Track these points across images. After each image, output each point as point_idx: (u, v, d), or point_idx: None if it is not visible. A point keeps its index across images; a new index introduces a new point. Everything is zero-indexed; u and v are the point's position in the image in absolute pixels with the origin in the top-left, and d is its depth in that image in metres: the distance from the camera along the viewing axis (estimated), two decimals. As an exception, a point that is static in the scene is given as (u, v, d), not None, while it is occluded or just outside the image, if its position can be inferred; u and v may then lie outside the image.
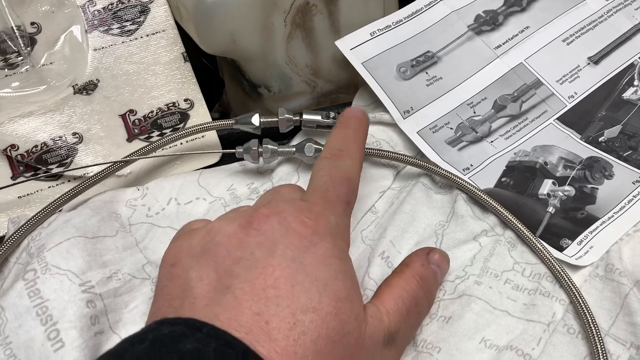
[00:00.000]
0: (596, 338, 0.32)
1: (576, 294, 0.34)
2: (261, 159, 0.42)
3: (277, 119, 0.43)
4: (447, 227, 0.39)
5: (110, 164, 0.42)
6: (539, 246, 0.36)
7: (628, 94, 0.48)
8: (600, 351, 0.31)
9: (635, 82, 0.49)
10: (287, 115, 0.43)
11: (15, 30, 0.44)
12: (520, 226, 0.37)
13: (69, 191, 0.41)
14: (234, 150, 0.42)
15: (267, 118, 0.43)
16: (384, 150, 0.43)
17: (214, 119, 0.46)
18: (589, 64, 0.50)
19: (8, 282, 0.36)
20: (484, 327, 0.33)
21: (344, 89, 0.51)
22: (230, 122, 0.43)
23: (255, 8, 0.42)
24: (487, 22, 0.51)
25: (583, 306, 0.33)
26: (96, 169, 0.43)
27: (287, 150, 0.42)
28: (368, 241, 0.40)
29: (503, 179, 0.43)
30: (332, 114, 0.43)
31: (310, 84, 0.49)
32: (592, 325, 0.32)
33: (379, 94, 0.46)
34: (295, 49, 0.46)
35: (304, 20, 0.45)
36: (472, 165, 0.44)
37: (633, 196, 0.41)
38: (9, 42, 0.43)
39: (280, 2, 0.43)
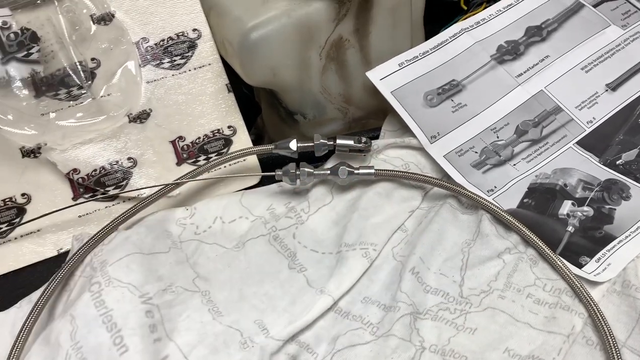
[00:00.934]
0: (613, 349, 0.34)
1: (594, 308, 0.36)
2: (298, 180, 0.46)
3: (312, 144, 0.47)
4: (472, 245, 0.42)
5: (163, 186, 0.46)
6: (559, 263, 0.39)
7: (646, 119, 0.50)
8: (617, 361, 0.34)
9: (653, 108, 0.51)
10: (322, 141, 0.47)
11: (78, 66, 0.48)
12: (541, 244, 0.40)
13: (126, 211, 0.45)
14: (273, 173, 0.46)
15: (303, 143, 0.47)
16: (414, 173, 0.46)
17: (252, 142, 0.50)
18: (607, 90, 0.52)
19: (75, 293, 0.40)
20: (507, 338, 0.36)
21: (373, 115, 0.54)
22: (270, 147, 0.47)
23: (294, 44, 0.47)
24: (508, 52, 0.54)
25: (601, 319, 0.36)
26: (149, 191, 0.47)
27: (322, 173, 0.46)
28: (399, 257, 0.43)
29: (525, 200, 0.46)
30: (363, 139, 0.47)
31: (342, 111, 0.53)
32: (609, 338, 0.35)
33: (407, 120, 0.50)
34: (329, 79, 0.50)
35: (338, 53, 0.49)
36: (495, 187, 0.47)
37: (649, 217, 0.43)
38: (73, 76, 0.48)
39: (317, 38, 0.47)
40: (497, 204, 0.44)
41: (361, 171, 0.46)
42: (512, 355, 0.35)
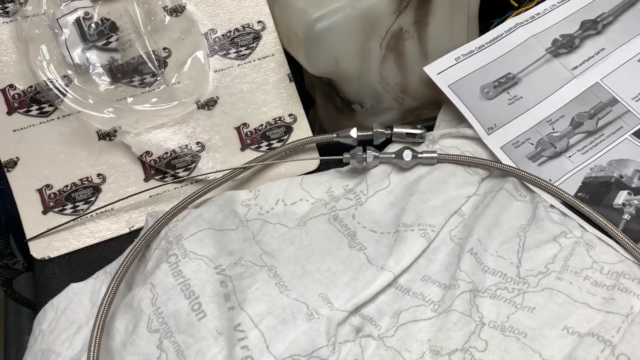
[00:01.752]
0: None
1: None
2: (364, 162, 0.48)
3: (371, 133, 0.49)
4: (528, 229, 0.43)
5: (231, 170, 0.49)
6: (622, 237, 0.40)
7: (703, 111, 0.51)
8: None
9: None
10: (380, 129, 0.49)
11: (152, 54, 0.51)
12: (604, 221, 0.41)
13: (197, 191, 0.48)
14: (341, 157, 0.48)
15: (363, 132, 0.49)
16: (476, 158, 0.48)
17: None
18: (664, 83, 0.53)
19: (151, 264, 0.43)
20: (565, 317, 0.38)
21: (428, 105, 0.56)
22: (332, 135, 0.50)
23: (357, 34, 0.49)
24: (564, 46, 0.55)
25: None
26: (216, 174, 0.50)
27: (387, 156, 0.48)
28: (456, 240, 0.44)
29: (580, 194, 0.46)
30: (419, 126, 0.49)
31: (398, 101, 0.55)
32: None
33: (465, 113, 0.51)
34: (388, 69, 0.52)
35: (397, 44, 0.51)
36: (551, 180, 0.48)
37: None
38: (149, 64, 0.51)
39: (378, 29, 0.49)
40: (560, 189, 0.45)
41: (425, 155, 0.48)
42: (571, 332, 0.37)
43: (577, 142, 0.50)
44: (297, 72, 0.59)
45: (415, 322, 0.39)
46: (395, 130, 0.50)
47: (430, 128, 0.54)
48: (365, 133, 0.49)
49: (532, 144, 0.50)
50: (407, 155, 0.47)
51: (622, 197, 0.45)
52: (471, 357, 0.37)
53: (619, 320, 0.37)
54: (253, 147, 0.53)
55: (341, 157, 0.48)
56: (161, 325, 0.39)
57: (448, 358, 0.37)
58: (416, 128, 0.49)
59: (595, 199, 0.46)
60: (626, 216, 0.44)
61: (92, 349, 0.37)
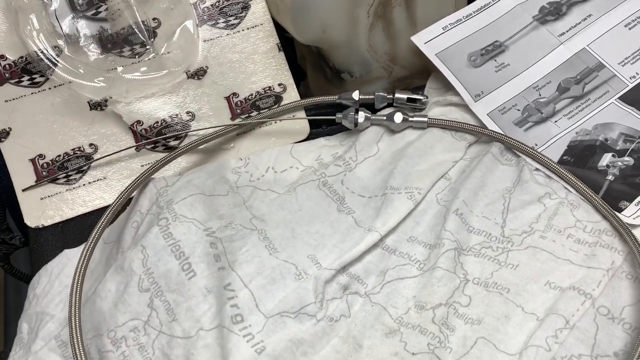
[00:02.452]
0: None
1: (636, 243, 0.38)
2: (356, 123, 0.49)
3: (373, 96, 0.50)
4: (513, 191, 0.44)
5: (222, 127, 0.50)
6: (601, 203, 0.41)
7: (689, 76, 0.51)
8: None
9: (696, 66, 0.52)
10: (381, 93, 0.50)
11: (142, 25, 0.52)
12: (583, 187, 0.42)
13: (188, 144, 0.49)
14: (334, 117, 0.49)
15: (365, 95, 0.50)
16: (465, 123, 0.49)
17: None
18: (650, 47, 0.53)
19: (143, 228, 0.44)
20: (548, 273, 0.38)
21: (417, 74, 0.56)
22: (334, 97, 0.51)
23: (344, 1, 0.49)
24: (551, 13, 0.56)
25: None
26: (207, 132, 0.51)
27: (378, 118, 0.49)
28: (443, 202, 0.45)
29: (565, 157, 0.47)
30: (420, 92, 0.51)
31: (387, 70, 0.55)
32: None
33: (452, 81, 0.52)
34: (376, 37, 0.52)
35: (385, 11, 0.51)
36: (536, 145, 0.48)
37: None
38: (138, 34, 0.51)
39: None
40: (542, 154, 0.46)
41: (415, 119, 0.48)
42: (553, 287, 0.38)
43: (563, 107, 0.51)
44: (288, 45, 0.60)
45: (401, 279, 0.40)
46: (397, 95, 0.51)
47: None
48: (367, 96, 0.50)
49: (518, 110, 0.51)
50: (398, 117, 0.48)
51: (606, 159, 0.46)
52: (455, 312, 0.38)
53: (600, 274, 0.38)
54: (243, 116, 0.53)
55: (333, 117, 0.49)
56: (152, 285, 0.39)
57: (432, 312, 0.38)
58: (418, 94, 0.50)
59: (580, 161, 0.46)
60: (610, 177, 0.45)
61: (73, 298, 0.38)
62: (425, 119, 0.48)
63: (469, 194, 0.44)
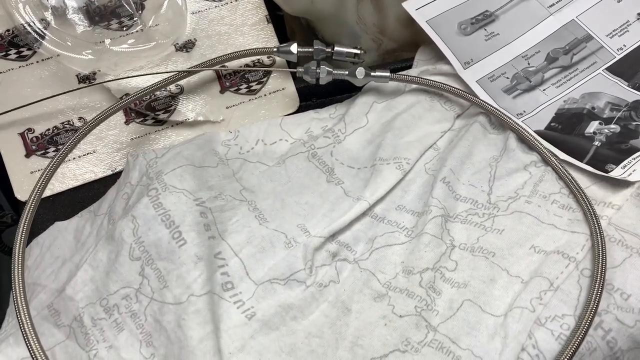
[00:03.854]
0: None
1: (587, 201, 0.39)
2: (318, 77, 0.49)
3: (312, 49, 0.50)
4: (500, 159, 0.44)
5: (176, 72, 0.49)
6: (569, 178, 0.42)
7: (676, 46, 0.51)
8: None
9: (684, 36, 0.52)
10: (319, 47, 0.50)
11: (129, -3, 0.51)
12: (555, 162, 0.43)
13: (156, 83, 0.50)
14: (295, 70, 0.49)
15: (303, 48, 0.50)
16: (431, 80, 0.49)
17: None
18: (638, 19, 0.53)
19: (133, 199, 0.44)
20: (533, 237, 0.39)
21: (406, 47, 0.56)
22: (273, 48, 0.50)
23: (332, -28, 0.49)
24: (541, -17, 0.56)
25: (590, 210, 0.38)
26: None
27: (340, 72, 0.49)
28: (431, 172, 0.45)
29: (552, 124, 0.47)
30: (358, 46, 0.50)
31: (376, 42, 0.55)
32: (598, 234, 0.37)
33: (442, 47, 0.52)
34: (365, 9, 0.52)
35: (374, -18, 0.51)
36: (525, 112, 0.49)
37: (675, 132, 0.45)
38: (125, 6, 0.51)
39: None
40: (521, 125, 0.46)
41: (377, 73, 0.49)
42: (538, 251, 0.38)
43: (552, 76, 0.51)
44: (278, 20, 0.59)
45: (389, 246, 0.41)
46: (337, 48, 0.50)
47: (409, 67, 0.54)
48: (305, 49, 0.50)
49: (507, 77, 0.51)
50: (360, 72, 0.48)
51: (593, 126, 0.47)
52: (442, 276, 0.38)
53: (584, 239, 0.38)
54: (232, 89, 0.53)
55: (294, 70, 0.49)
56: (142, 254, 0.40)
57: (420, 276, 0.39)
58: (356, 48, 0.49)
59: (567, 128, 0.47)
60: (597, 143, 0.45)
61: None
62: (387, 74, 0.49)
63: (456, 162, 0.45)
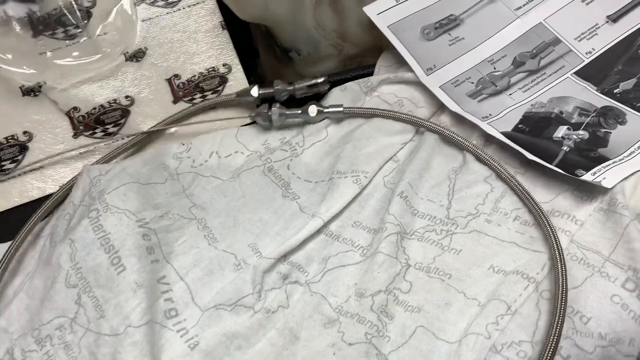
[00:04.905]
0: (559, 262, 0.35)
1: (546, 220, 0.37)
2: (270, 121, 0.47)
3: (273, 90, 0.48)
4: (459, 171, 0.42)
5: (132, 137, 0.47)
6: (526, 194, 0.39)
7: (646, 49, 0.49)
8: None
9: (654, 38, 0.50)
10: (280, 86, 0.47)
11: (74, 5, 0.49)
12: (509, 176, 0.41)
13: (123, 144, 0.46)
14: (247, 116, 0.46)
15: (265, 90, 0.48)
16: (384, 110, 0.46)
17: (250, 82, 0.51)
18: (607, 22, 0.51)
19: (74, 220, 0.42)
20: (492, 257, 0.37)
21: (369, 52, 0.54)
22: (232, 95, 0.48)
23: (285, -25, 0.46)
24: (508, -16, 0.54)
25: (551, 233, 0.36)
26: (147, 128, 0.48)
27: (293, 113, 0.47)
28: (389, 185, 0.43)
29: (520, 125, 0.45)
30: (320, 78, 0.48)
31: (337, 47, 0.53)
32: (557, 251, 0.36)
33: (404, 54, 0.50)
34: (323, 13, 0.50)
35: (330, -14, 0.49)
36: (490, 115, 0.47)
37: (644, 141, 0.43)
38: (69, 16, 0.48)
39: None
40: (475, 148, 0.43)
41: (330, 109, 0.46)
42: (497, 271, 0.36)
43: (519, 80, 0.49)
44: (244, 24, 0.57)
45: (343, 267, 0.39)
46: (297, 85, 0.48)
47: (370, 74, 0.52)
48: (266, 91, 0.48)
49: (472, 82, 0.49)
50: (313, 110, 0.46)
51: (562, 131, 0.44)
52: (395, 299, 0.36)
53: (545, 258, 0.36)
54: (186, 99, 0.51)
55: (246, 116, 0.47)
56: (80, 281, 0.37)
57: (371, 300, 0.36)
58: (316, 78, 0.47)
59: (535, 131, 0.45)
60: (565, 148, 0.43)
61: None
62: (341, 109, 0.47)
63: (415, 175, 0.42)
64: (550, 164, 0.41)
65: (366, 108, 0.47)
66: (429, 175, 0.43)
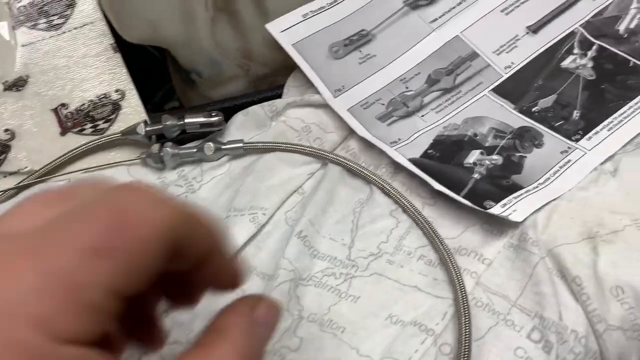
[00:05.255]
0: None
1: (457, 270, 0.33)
2: (162, 162, 0.42)
3: (161, 126, 0.43)
4: (365, 204, 0.38)
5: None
6: (431, 231, 0.36)
7: (566, 63, 0.46)
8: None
9: (575, 51, 0.47)
10: (169, 122, 0.43)
11: (-60, 31, 0.44)
12: (414, 211, 0.37)
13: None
14: (138, 158, 0.42)
15: (152, 126, 0.43)
16: (286, 144, 0.43)
17: (151, 107, 0.46)
18: (527, 33, 0.48)
19: None
20: (391, 304, 0.33)
21: (280, 72, 0.50)
22: (118, 134, 0.44)
23: (171, -5, 0.42)
24: (424, -4, 0.50)
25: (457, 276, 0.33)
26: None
27: (188, 152, 0.42)
28: (291, 222, 0.39)
29: (429, 151, 0.42)
30: (213, 113, 0.43)
31: (243, 68, 0.49)
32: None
33: (310, 74, 0.46)
34: (222, 33, 0.46)
35: (227, 3, 0.44)
36: (399, 139, 0.43)
37: (559, 167, 0.39)
38: None
39: None
40: (380, 180, 0.40)
41: (229, 146, 0.42)
42: (395, 321, 0.32)
43: (432, 100, 0.45)
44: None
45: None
46: (187, 120, 0.43)
47: (280, 96, 0.48)
48: (155, 127, 0.43)
49: (382, 104, 0.45)
50: (209, 148, 0.42)
51: (474, 156, 0.41)
52: (281, 359, 0.32)
53: (447, 305, 0.33)
54: (75, 130, 0.46)
55: (134, 159, 0.42)
56: None
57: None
58: (211, 116, 0.43)
59: (446, 156, 0.41)
60: (476, 175, 0.40)
61: None
62: (240, 145, 0.42)
63: (318, 210, 0.39)
64: (458, 194, 0.38)
65: (267, 143, 0.43)
66: (333, 210, 0.39)
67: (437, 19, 0.49)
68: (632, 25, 0.48)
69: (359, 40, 0.48)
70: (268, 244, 0.38)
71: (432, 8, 0.50)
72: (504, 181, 0.39)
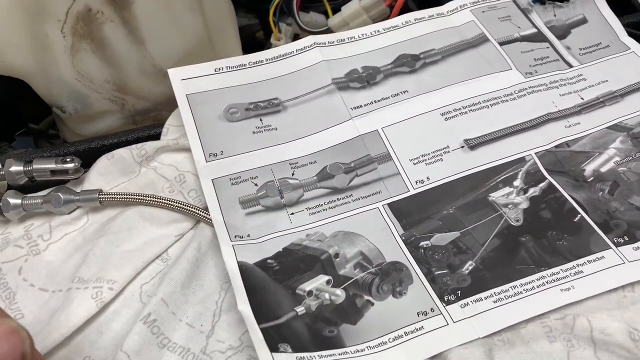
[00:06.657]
0: None
1: None
2: (9, 214, 0.36)
3: (2, 172, 0.37)
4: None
5: None
6: None
7: (496, 195, 0.37)
8: None
9: (516, 182, 0.37)
10: (14, 168, 0.36)
11: None
12: None
13: None
14: None
15: None
16: (151, 196, 0.36)
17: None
18: (462, 147, 0.39)
19: None
20: None
21: (164, 106, 0.44)
22: None
23: (16, 17, 0.36)
24: (359, 79, 0.43)
25: None
26: None
27: (32, 203, 0.36)
28: (145, 298, 0.32)
29: (269, 261, 0.33)
30: (68, 159, 0.37)
31: (117, 102, 0.42)
32: None
33: (190, 129, 0.39)
34: (86, 62, 0.40)
35: (91, 30, 0.38)
36: (249, 236, 0.35)
37: (404, 333, 0.30)
38: None
39: (51, 10, 0.37)
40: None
41: (82, 196, 0.36)
42: None
43: (314, 197, 0.37)
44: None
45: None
46: (35, 166, 0.37)
47: (157, 136, 0.41)
48: None
49: (256, 184, 0.37)
50: (57, 199, 0.35)
51: (314, 283, 0.32)
52: None
53: None
54: None
55: None
56: None
57: None
58: (65, 161, 0.36)
59: (284, 273, 0.32)
60: (300, 310, 0.31)
61: None
62: (96, 195, 0.36)
63: (177, 285, 0.31)
64: (260, 324, 0.29)
65: (129, 195, 0.36)
66: (197, 284, 0.32)
67: (361, 106, 0.41)
68: (603, 169, 0.38)
69: (265, 107, 0.41)
70: (113, 328, 0.31)
71: (362, 93, 0.42)
72: (327, 329, 0.30)
